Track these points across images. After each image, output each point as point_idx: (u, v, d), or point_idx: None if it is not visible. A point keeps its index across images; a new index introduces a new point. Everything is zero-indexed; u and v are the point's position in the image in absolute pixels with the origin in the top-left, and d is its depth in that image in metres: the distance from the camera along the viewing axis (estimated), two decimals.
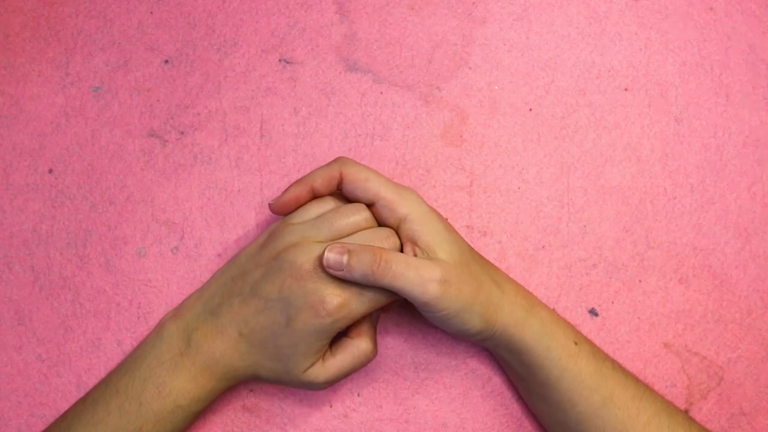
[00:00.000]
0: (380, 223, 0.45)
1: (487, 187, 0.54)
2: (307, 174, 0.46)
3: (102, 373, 0.51)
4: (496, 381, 0.52)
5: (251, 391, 0.51)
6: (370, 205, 0.45)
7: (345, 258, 0.40)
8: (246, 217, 0.53)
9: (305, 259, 0.41)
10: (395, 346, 0.52)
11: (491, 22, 0.56)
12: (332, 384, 0.45)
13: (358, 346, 0.44)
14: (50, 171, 0.54)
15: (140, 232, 0.53)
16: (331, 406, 0.51)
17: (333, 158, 0.46)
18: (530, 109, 0.55)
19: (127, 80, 0.55)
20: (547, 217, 0.53)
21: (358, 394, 0.51)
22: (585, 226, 0.53)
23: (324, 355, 0.44)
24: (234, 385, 0.46)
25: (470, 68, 0.55)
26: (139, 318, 0.52)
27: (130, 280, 0.52)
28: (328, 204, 0.46)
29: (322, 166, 0.46)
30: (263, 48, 0.55)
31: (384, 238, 0.43)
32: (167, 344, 0.45)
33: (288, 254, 0.42)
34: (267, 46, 0.55)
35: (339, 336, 0.45)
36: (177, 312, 0.48)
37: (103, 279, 0.52)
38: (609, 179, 0.54)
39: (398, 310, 0.52)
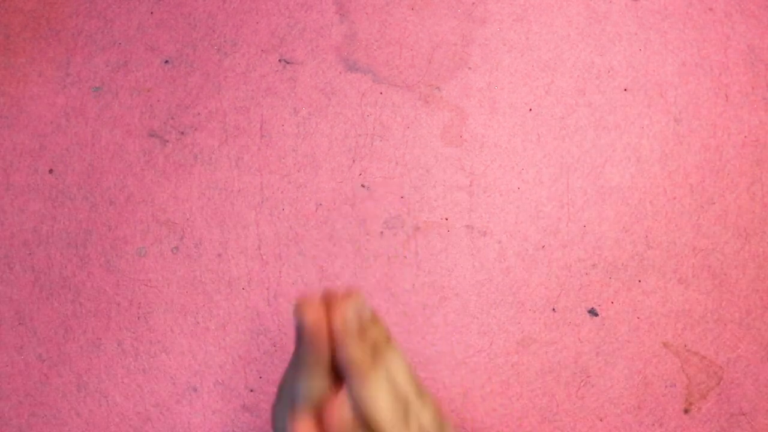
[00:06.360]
0: None
1: (486, 187, 0.54)
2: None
3: (102, 373, 0.51)
4: (496, 381, 0.52)
5: (251, 391, 0.51)
6: None
7: None
8: (246, 217, 0.53)
9: None
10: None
11: (491, 23, 0.56)
12: None
13: None
14: (51, 171, 0.54)
15: (140, 232, 0.53)
16: None
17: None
18: (530, 110, 0.55)
19: (127, 80, 0.55)
20: (546, 217, 0.53)
21: None
22: (585, 226, 0.53)
23: None
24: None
25: (470, 68, 0.55)
26: (139, 318, 0.52)
27: (130, 280, 0.52)
28: None
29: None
30: (263, 48, 0.55)
31: None
32: None
33: None
34: (267, 46, 0.55)
35: None
36: None
37: (104, 279, 0.52)
38: (608, 179, 0.54)
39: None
